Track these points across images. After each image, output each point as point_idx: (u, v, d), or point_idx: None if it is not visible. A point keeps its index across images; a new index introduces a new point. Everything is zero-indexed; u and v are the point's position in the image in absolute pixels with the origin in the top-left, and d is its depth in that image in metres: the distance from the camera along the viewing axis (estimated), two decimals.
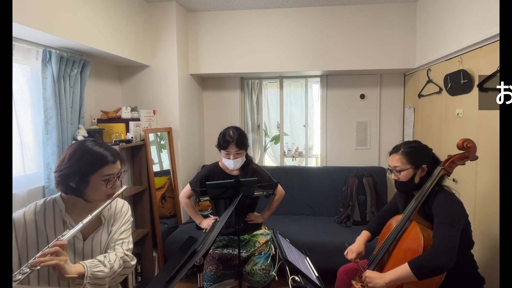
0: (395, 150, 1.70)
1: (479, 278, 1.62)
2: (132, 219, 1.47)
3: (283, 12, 3.22)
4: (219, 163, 2.25)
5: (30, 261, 1.06)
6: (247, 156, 2.22)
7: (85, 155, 1.27)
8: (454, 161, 1.62)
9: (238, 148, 2.08)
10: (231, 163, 2.12)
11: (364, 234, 1.88)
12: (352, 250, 1.78)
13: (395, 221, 1.70)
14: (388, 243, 1.64)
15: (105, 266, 1.24)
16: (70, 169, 1.24)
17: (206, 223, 2.21)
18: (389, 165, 1.72)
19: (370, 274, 1.55)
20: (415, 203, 1.60)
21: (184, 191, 2.28)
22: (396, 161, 1.66)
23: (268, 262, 2.11)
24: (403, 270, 1.44)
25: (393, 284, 1.48)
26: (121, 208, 1.44)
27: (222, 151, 2.12)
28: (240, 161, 2.14)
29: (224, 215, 1.63)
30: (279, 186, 2.31)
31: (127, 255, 1.35)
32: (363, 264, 1.73)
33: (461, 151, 1.62)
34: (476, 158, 1.63)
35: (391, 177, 1.72)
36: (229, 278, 2.13)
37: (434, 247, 1.43)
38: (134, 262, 1.38)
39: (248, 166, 2.22)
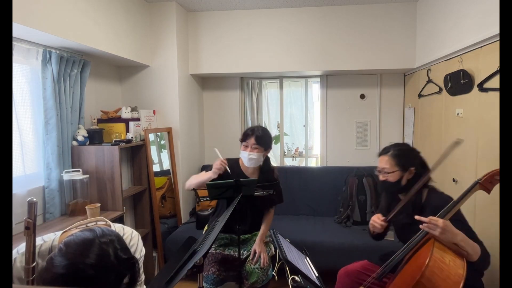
0: (384, 152, 1.71)
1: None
2: (144, 250, 1.22)
3: (283, 12, 3.21)
4: (240, 162, 2.20)
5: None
6: (268, 165, 2.19)
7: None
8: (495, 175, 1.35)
9: (256, 142, 2.05)
10: (246, 156, 2.07)
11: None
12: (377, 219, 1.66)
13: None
14: (402, 255, 1.47)
15: None
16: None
17: (215, 167, 2.03)
18: (377, 166, 1.71)
19: (446, 222, 1.34)
20: (442, 216, 1.39)
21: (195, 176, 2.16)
22: (385, 162, 1.66)
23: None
24: (473, 244, 1.36)
25: (457, 243, 1.33)
26: (129, 242, 1.18)
27: (242, 143, 2.11)
28: (256, 157, 2.07)
29: (224, 215, 1.63)
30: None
31: None
32: (371, 267, 1.70)
33: None
34: None
35: (379, 177, 1.70)
36: (231, 280, 2.12)
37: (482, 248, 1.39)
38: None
39: (268, 172, 2.17)
